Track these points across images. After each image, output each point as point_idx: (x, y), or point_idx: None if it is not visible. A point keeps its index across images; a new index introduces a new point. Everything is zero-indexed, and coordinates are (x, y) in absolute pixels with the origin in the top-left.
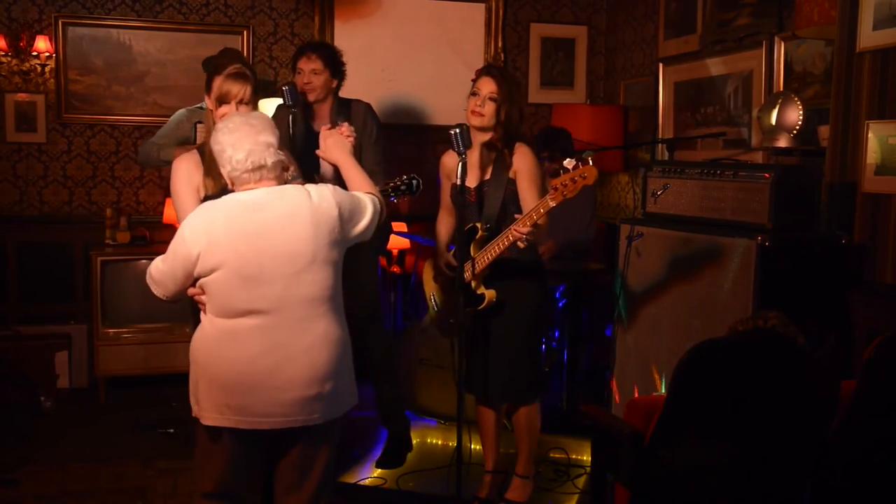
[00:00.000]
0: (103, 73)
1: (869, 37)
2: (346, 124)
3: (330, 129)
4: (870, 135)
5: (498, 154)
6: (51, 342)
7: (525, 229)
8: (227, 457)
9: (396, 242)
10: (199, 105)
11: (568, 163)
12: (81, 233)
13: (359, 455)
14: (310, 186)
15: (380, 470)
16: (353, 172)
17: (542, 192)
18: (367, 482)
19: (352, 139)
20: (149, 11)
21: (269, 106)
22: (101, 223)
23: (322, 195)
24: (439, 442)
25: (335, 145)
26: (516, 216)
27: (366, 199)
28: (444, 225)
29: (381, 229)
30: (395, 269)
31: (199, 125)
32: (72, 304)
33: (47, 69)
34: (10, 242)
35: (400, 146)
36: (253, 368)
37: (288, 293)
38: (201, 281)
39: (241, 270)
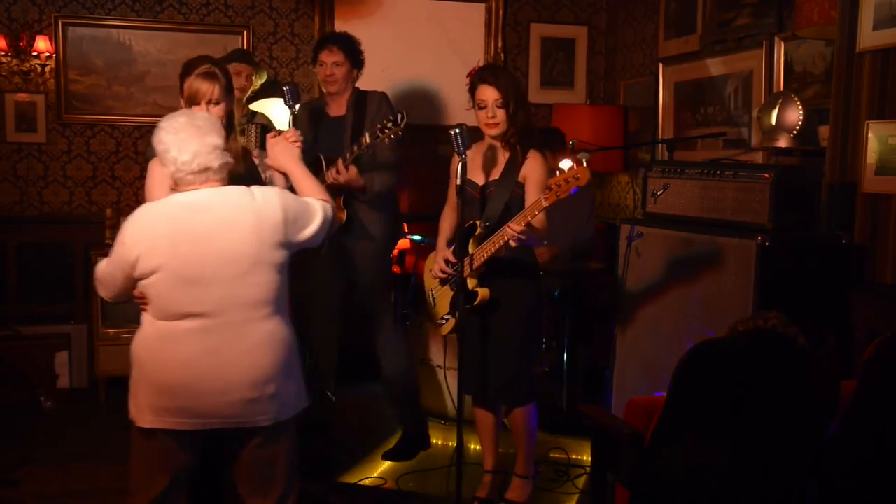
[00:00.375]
0: (103, 73)
1: (869, 37)
2: (292, 129)
3: (275, 136)
4: (870, 135)
5: (511, 153)
6: (51, 342)
7: (518, 227)
8: (162, 462)
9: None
10: None
11: (563, 163)
12: (81, 233)
13: (360, 455)
14: (255, 188)
15: (382, 467)
16: (303, 180)
17: None
18: (367, 482)
19: (299, 144)
20: (149, 11)
21: (270, 106)
22: (101, 223)
23: (266, 197)
24: (439, 442)
25: (282, 152)
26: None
27: (316, 205)
28: (448, 220)
29: (391, 226)
30: (395, 269)
31: None
32: (72, 304)
33: (47, 69)
34: (10, 242)
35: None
36: (192, 371)
37: (230, 295)
38: (141, 284)
39: (182, 273)
